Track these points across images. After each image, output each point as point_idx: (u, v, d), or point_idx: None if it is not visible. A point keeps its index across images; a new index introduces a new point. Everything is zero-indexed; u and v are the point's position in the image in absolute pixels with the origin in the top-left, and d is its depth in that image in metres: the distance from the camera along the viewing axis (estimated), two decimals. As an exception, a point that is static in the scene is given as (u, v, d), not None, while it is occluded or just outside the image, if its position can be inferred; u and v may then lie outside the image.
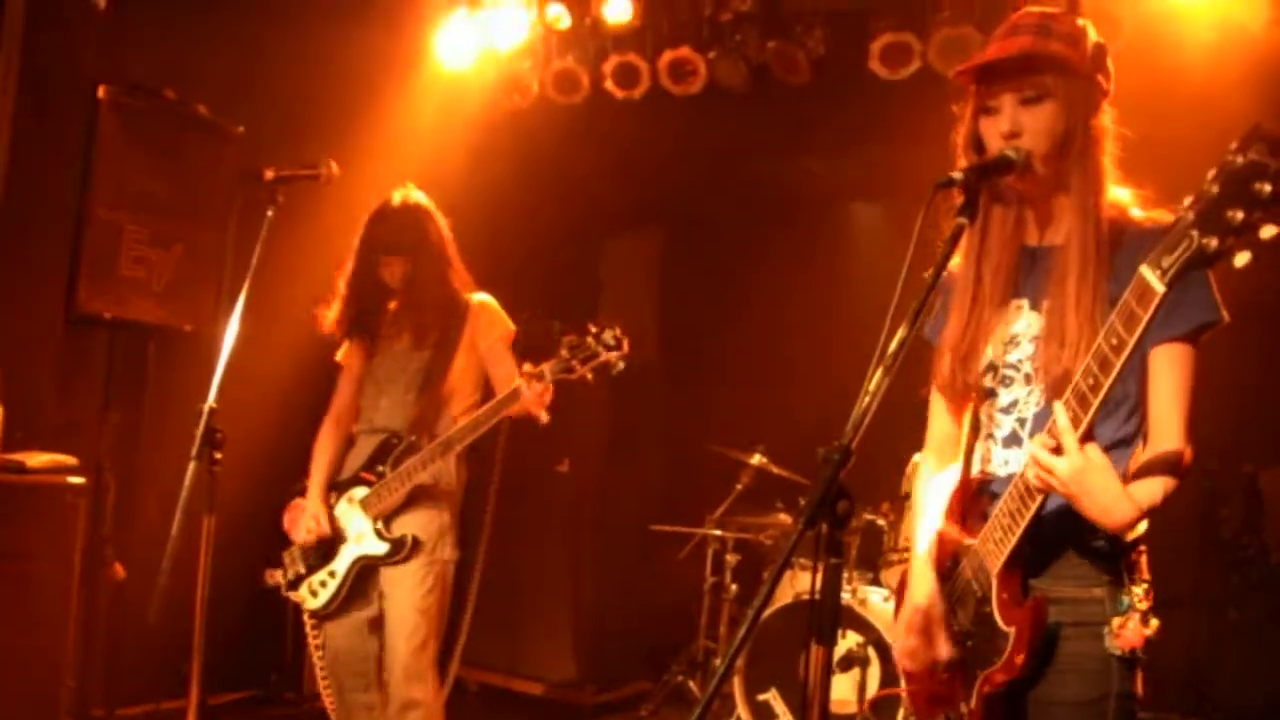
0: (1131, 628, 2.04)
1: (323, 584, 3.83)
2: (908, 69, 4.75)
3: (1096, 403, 1.85)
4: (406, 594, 3.75)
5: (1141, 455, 2.12)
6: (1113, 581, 2.09)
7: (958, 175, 1.98)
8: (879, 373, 1.83)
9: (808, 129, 5.55)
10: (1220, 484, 5.66)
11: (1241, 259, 1.61)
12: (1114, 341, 1.81)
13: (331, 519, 3.83)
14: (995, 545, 2.07)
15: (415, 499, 3.77)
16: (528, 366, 3.64)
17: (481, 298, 3.96)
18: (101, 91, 4.56)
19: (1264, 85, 4.22)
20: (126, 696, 4.93)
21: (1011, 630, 2.03)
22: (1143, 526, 2.12)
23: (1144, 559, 2.12)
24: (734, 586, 5.61)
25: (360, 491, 3.81)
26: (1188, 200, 1.66)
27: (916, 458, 2.50)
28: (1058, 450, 1.92)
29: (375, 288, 3.88)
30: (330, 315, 3.93)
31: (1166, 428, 2.08)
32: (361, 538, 3.78)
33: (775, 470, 5.65)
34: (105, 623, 4.84)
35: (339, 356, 4.05)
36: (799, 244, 6.35)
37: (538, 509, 5.91)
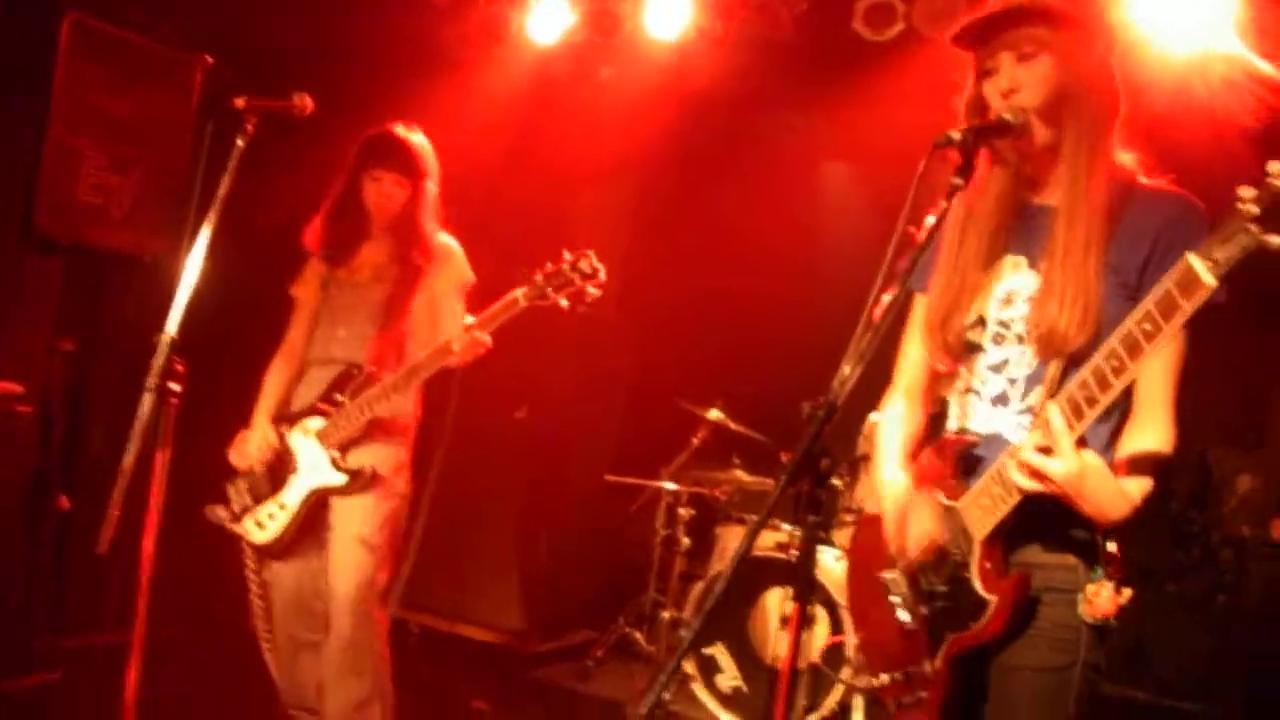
0: (1105, 595, 2.06)
1: (271, 516, 3.77)
2: (891, 30, 4.73)
3: (1119, 385, 1.83)
4: (356, 526, 3.70)
5: (1126, 435, 2.13)
6: (1087, 549, 2.11)
7: (956, 135, 1.98)
8: (870, 334, 1.82)
9: (785, 85, 5.51)
10: (1172, 458, 5.74)
11: None
12: (1148, 327, 1.77)
13: (283, 449, 3.78)
14: (981, 513, 2.08)
15: (372, 432, 3.73)
16: (468, 317, 3.61)
17: (447, 240, 3.92)
18: (65, 11, 4.44)
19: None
20: (72, 627, 4.87)
21: (994, 599, 2.05)
22: None
23: (1116, 528, 2.13)
24: (686, 540, 5.63)
25: (316, 422, 3.75)
26: (1249, 192, 1.60)
27: (872, 418, 2.49)
28: (1049, 451, 1.92)
29: (358, 209, 3.83)
30: (313, 229, 3.91)
31: (1155, 407, 2.11)
32: (316, 468, 3.72)
33: (733, 426, 5.66)
34: (51, 554, 4.77)
35: (294, 289, 4.00)
36: (767, 201, 6.33)
37: (492, 453, 5.88)
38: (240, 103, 3.20)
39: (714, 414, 5.65)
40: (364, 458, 3.72)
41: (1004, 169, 2.21)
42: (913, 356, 2.45)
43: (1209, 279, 1.66)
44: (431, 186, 3.87)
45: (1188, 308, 1.70)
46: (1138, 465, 2.08)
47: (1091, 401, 1.86)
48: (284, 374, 3.93)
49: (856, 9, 4.77)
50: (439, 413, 5.59)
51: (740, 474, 5.66)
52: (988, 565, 2.07)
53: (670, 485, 5.69)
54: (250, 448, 3.81)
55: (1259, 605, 4.22)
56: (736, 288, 6.30)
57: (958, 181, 1.96)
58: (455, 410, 5.61)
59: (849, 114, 5.11)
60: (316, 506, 3.75)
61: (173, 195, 4.79)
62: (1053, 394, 2.05)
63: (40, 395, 4.53)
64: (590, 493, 6.01)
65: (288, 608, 3.85)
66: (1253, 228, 1.59)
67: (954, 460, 2.20)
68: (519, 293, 3.55)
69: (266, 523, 3.78)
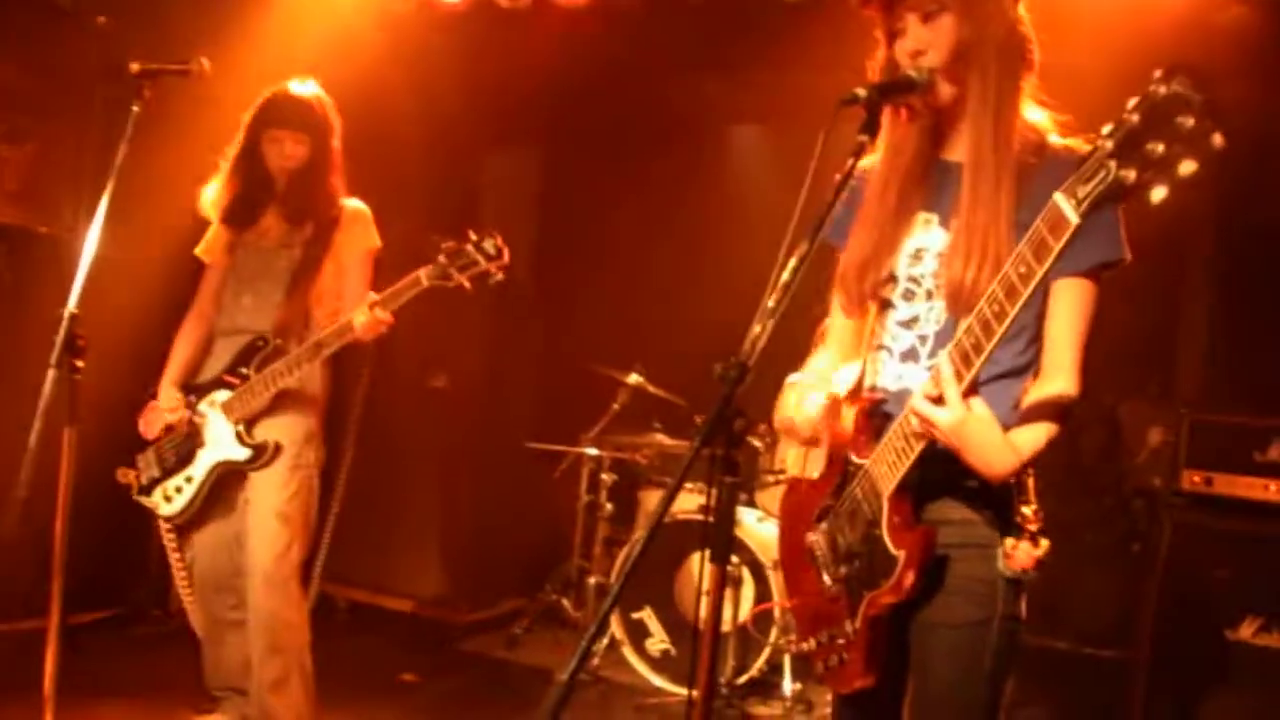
0: (1023, 549, 2.07)
1: (178, 490, 3.72)
2: (805, -10, 4.71)
3: (1000, 330, 1.84)
4: (268, 499, 3.65)
5: (1031, 389, 2.14)
6: (1002, 502, 2.11)
7: (861, 92, 1.96)
8: (778, 292, 1.81)
9: (695, 47, 5.48)
10: (1082, 413, 5.84)
11: (1158, 194, 1.58)
12: (1022, 270, 1.79)
13: (190, 422, 3.71)
14: (888, 469, 2.08)
15: (279, 404, 3.67)
16: (371, 294, 3.55)
17: (355, 204, 3.85)
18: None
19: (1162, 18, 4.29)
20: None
21: (901, 554, 2.04)
22: None
23: (1031, 480, 2.14)
24: (609, 506, 5.63)
25: (222, 395, 3.68)
26: (1107, 128, 1.63)
27: (791, 378, 2.48)
28: (940, 400, 1.93)
29: (259, 171, 3.74)
30: (209, 195, 3.80)
31: (1058, 365, 2.11)
32: (221, 442, 3.67)
33: (652, 390, 5.66)
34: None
35: (199, 250, 3.91)
36: (681, 164, 6.31)
37: (410, 422, 5.83)
38: (135, 67, 3.11)
39: (633, 378, 5.64)
40: (271, 431, 3.66)
41: (918, 125, 2.20)
42: (835, 312, 2.45)
43: (1073, 216, 1.69)
44: (334, 143, 3.79)
45: (1056, 246, 1.73)
46: (1031, 415, 2.08)
47: (977, 348, 1.87)
48: (191, 340, 3.86)
49: (767, -32, 4.73)
50: (352, 383, 5.52)
51: (661, 438, 5.67)
52: (895, 520, 2.07)
53: (592, 451, 5.68)
54: (157, 419, 3.74)
55: (1169, 553, 4.31)
56: (651, 252, 6.29)
57: (863, 138, 1.95)
58: (370, 381, 5.53)
59: (759, 76, 5.10)
60: (225, 481, 3.70)
61: (69, 165, 4.64)
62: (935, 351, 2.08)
63: (-61, 376, 4.39)
64: (511, 460, 5.98)
65: (207, 586, 3.80)
66: (1110, 163, 1.62)
67: (864, 418, 2.20)
68: (422, 273, 3.49)
69: (174, 495, 3.73)
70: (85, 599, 5.18)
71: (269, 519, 3.64)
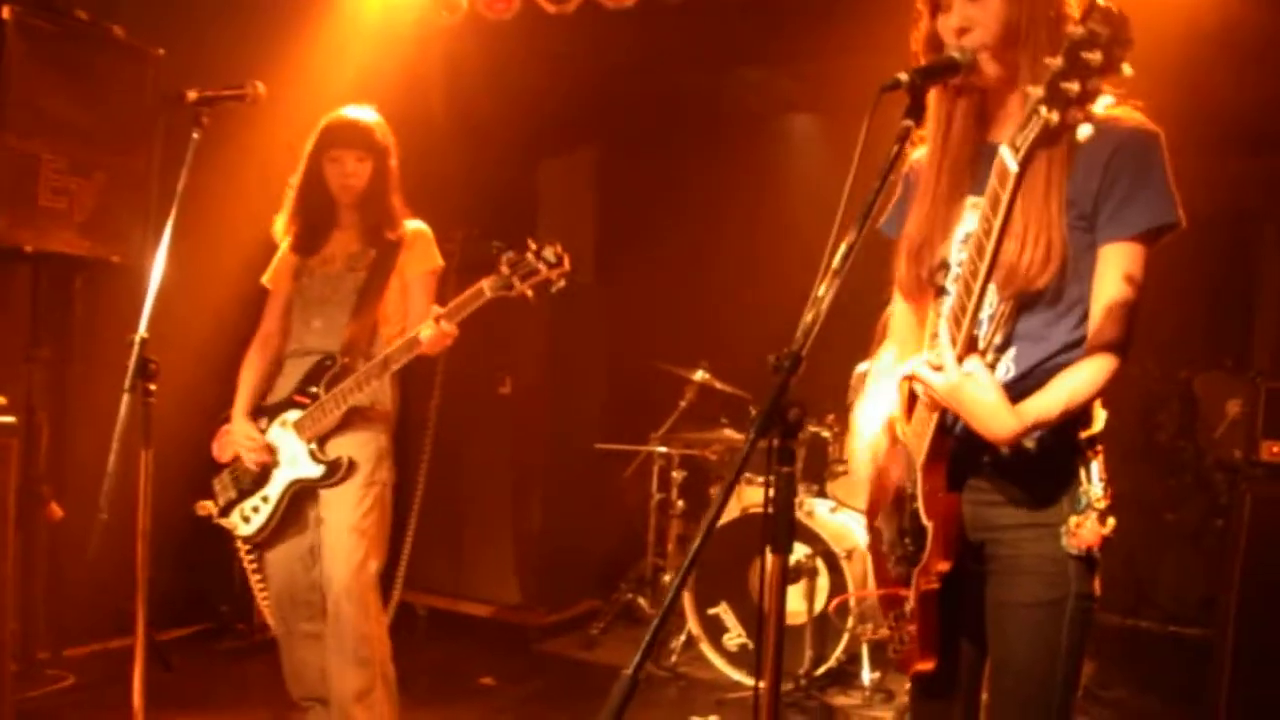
0: (1089, 527, 2.05)
1: (255, 510, 3.78)
2: (844, -23, 4.68)
3: (978, 289, 1.85)
4: (343, 515, 3.70)
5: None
6: (1069, 480, 2.09)
7: (903, 77, 1.94)
8: (827, 279, 1.81)
9: (743, 41, 5.47)
10: (1157, 389, 5.76)
11: (1084, 131, 1.64)
12: (985, 226, 1.82)
13: (264, 443, 3.78)
14: (917, 440, 2.08)
15: (350, 421, 3.72)
16: (435, 307, 3.60)
17: (417, 225, 3.90)
18: (6, 12, 4.32)
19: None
20: (72, 637, 4.87)
21: (930, 524, 2.06)
22: (1099, 424, 2.12)
23: (1100, 458, 2.12)
24: (680, 503, 5.64)
25: (293, 414, 3.74)
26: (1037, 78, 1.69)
27: (860, 367, 2.48)
28: (940, 367, 1.94)
29: (322, 196, 3.80)
30: (280, 222, 3.88)
31: (1100, 331, 2.06)
32: (295, 461, 3.73)
33: (719, 386, 5.67)
34: (46, 563, 4.77)
35: (265, 279, 3.98)
36: (736, 158, 6.30)
37: (480, 430, 5.88)
38: (192, 95, 3.17)
39: (699, 375, 5.64)
40: (342, 448, 3.71)
41: (963, 107, 2.18)
42: (898, 304, 2.44)
43: (1013, 165, 1.74)
44: (393, 164, 3.84)
45: (1005, 196, 1.77)
46: (1050, 386, 2.04)
47: (962, 310, 1.89)
48: (259, 366, 3.91)
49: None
50: (424, 395, 5.59)
51: (730, 433, 5.66)
52: (927, 489, 2.08)
53: (661, 449, 5.70)
54: (239, 445, 3.81)
55: (1251, 527, 4.22)
56: (710, 246, 6.29)
57: (907, 123, 1.93)
58: (440, 392, 5.60)
59: (808, 65, 5.08)
60: (299, 498, 3.76)
61: (135, 194, 4.73)
62: (1003, 335, 2.07)
63: (23, 404, 4.51)
64: (582, 462, 6.01)
65: (283, 600, 3.86)
66: (1040, 109, 1.66)
67: (910, 398, 2.20)
68: (485, 283, 3.53)
69: (251, 516, 3.79)
70: (172, 616, 5.30)
71: (345, 535, 3.70)
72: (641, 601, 5.78)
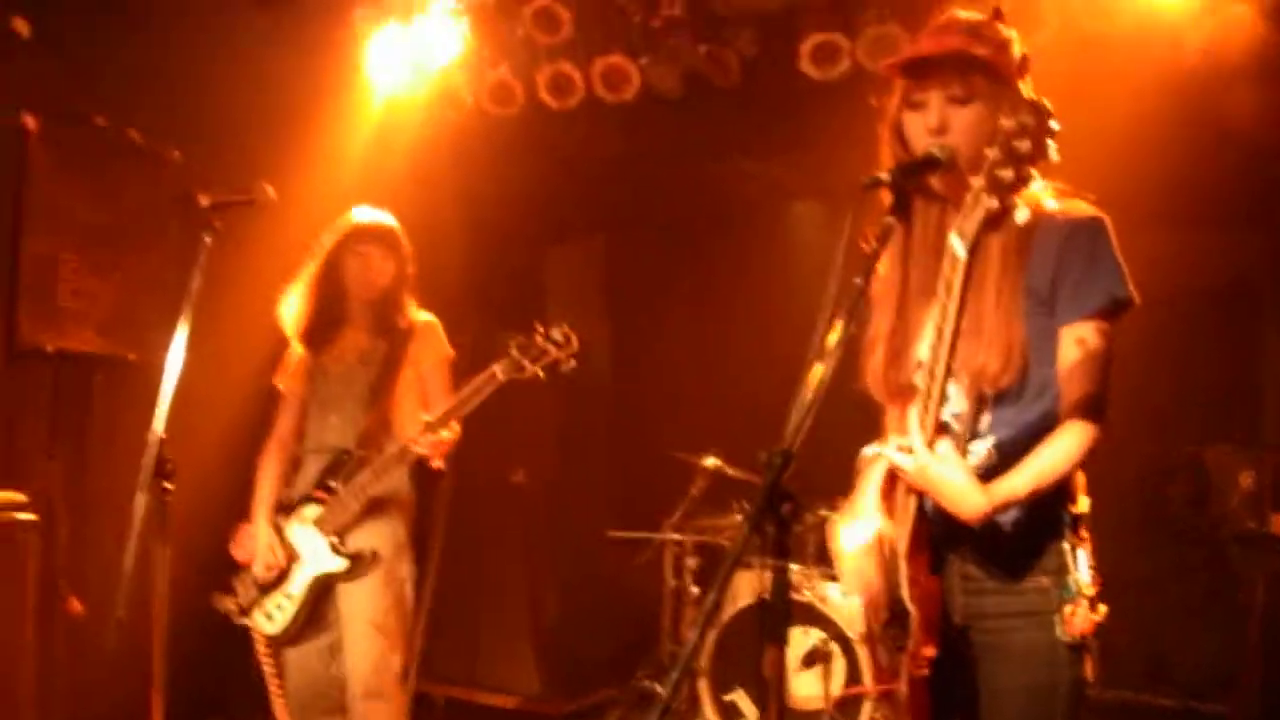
0: (1080, 615, 2.09)
1: (279, 607, 3.81)
2: (838, 68, 4.76)
3: (941, 372, 1.97)
4: (364, 611, 3.74)
5: None
6: (1059, 569, 2.13)
7: (884, 176, 2.02)
8: (815, 370, 1.86)
9: (741, 131, 5.58)
10: (1165, 462, 5.75)
11: (1021, 215, 1.80)
12: (942, 313, 1.96)
13: (283, 541, 3.81)
14: (900, 527, 2.12)
15: (370, 513, 3.77)
16: (423, 415, 3.66)
17: (427, 318, 3.98)
18: (29, 121, 4.47)
19: (1186, 78, 4.30)
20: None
21: (914, 609, 2.09)
22: (1084, 507, 2.16)
23: (1088, 545, 2.16)
24: (695, 589, 5.62)
25: (313, 510, 3.79)
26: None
27: (866, 451, 2.52)
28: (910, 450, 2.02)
29: (338, 289, 3.88)
30: (293, 315, 3.93)
31: (1067, 396, 2.11)
32: (318, 556, 3.76)
33: (730, 472, 5.67)
34: (64, 658, 4.78)
35: (277, 380, 4.04)
36: (741, 246, 6.38)
37: (493, 519, 5.91)
38: (205, 200, 3.26)
39: (710, 461, 5.67)
40: (363, 539, 3.76)
41: (927, 207, 2.25)
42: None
43: (961, 252, 1.89)
44: (410, 269, 3.94)
45: (956, 281, 1.92)
46: (1020, 465, 2.08)
47: (929, 395, 2.00)
48: (276, 466, 3.96)
49: (802, 51, 4.80)
50: (436, 484, 5.62)
51: (742, 519, 5.66)
52: (910, 575, 2.11)
53: (674, 536, 5.70)
54: (258, 551, 3.84)
55: (1266, 600, 4.22)
56: (720, 333, 6.34)
57: (889, 220, 2.00)
58: (452, 481, 5.63)
59: (808, 154, 5.17)
60: (322, 593, 3.79)
61: (152, 294, 4.83)
62: (972, 430, 2.12)
63: (42, 501, 4.56)
64: (594, 550, 6.02)
65: (303, 696, 3.87)
66: (982, 196, 1.80)
67: (889, 486, 2.24)
68: (496, 367, 3.61)
69: (275, 614, 3.82)
70: (189, 712, 5.28)
71: (366, 631, 3.73)
72: (659, 689, 5.75)
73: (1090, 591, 2.12)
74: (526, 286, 6.43)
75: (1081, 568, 2.13)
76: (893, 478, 2.21)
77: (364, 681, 3.70)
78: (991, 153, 1.73)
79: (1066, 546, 2.13)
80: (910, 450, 2.02)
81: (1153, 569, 5.58)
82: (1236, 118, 4.39)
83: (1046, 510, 2.12)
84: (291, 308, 3.94)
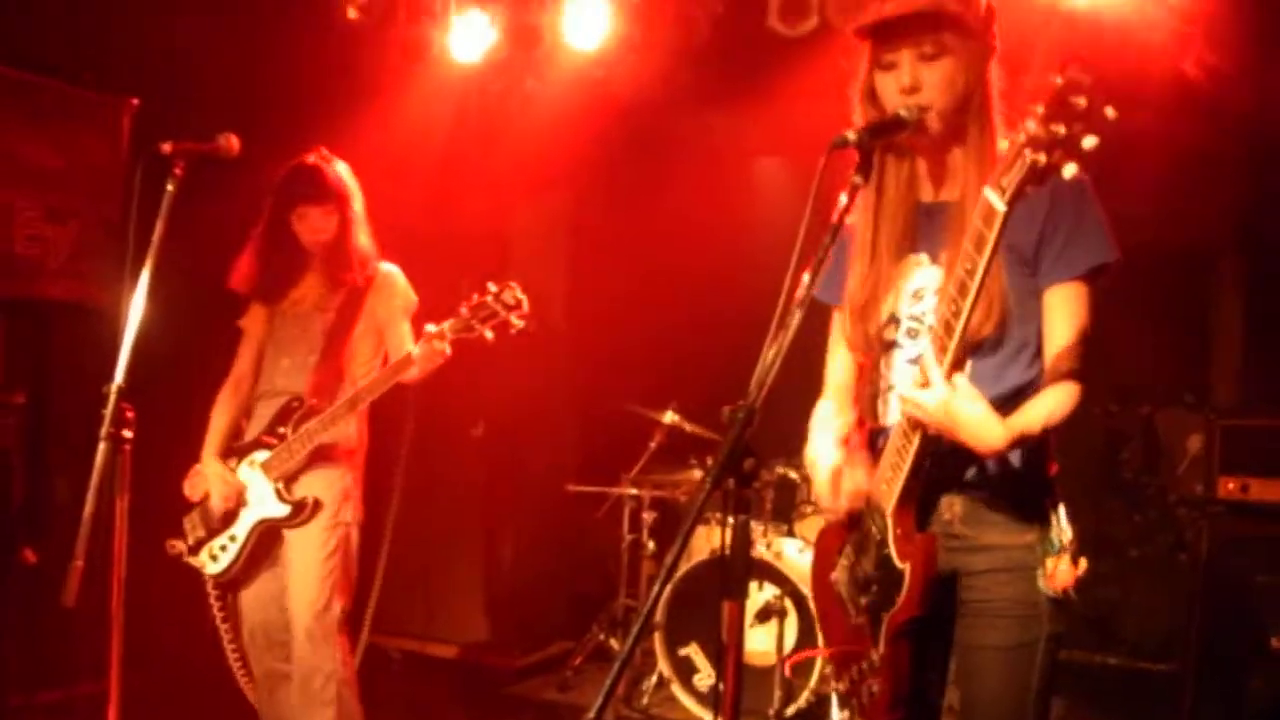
0: (1064, 568, 2.13)
1: (223, 548, 3.83)
2: (806, 24, 4.77)
3: (959, 327, 1.92)
4: (308, 556, 3.77)
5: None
6: (1041, 524, 2.17)
7: (852, 135, 2.02)
8: (781, 328, 1.88)
9: (709, 87, 5.56)
10: (1119, 426, 5.85)
11: (1069, 170, 1.72)
12: (968, 266, 1.89)
13: (234, 482, 3.82)
14: (886, 485, 2.14)
15: (316, 461, 3.79)
16: (429, 326, 3.66)
17: (387, 267, 3.97)
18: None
19: (1144, 42, 4.33)
20: (47, 682, 4.86)
21: (907, 565, 2.10)
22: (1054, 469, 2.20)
23: (1062, 505, 2.20)
24: (651, 544, 5.68)
25: (261, 455, 3.81)
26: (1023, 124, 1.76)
27: (821, 407, 2.54)
28: (926, 385, 2.00)
29: (290, 243, 3.86)
30: (241, 271, 3.92)
31: (1056, 367, 2.14)
32: (263, 500, 3.79)
33: (688, 428, 5.71)
34: (19, 608, 4.76)
35: (242, 321, 4.03)
36: (704, 201, 6.37)
37: (451, 472, 5.91)
38: (167, 148, 3.21)
39: (669, 417, 5.70)
40: (309, 487, 3.78)
41: (899, 165, 2.27)
42: (838, 359, 2.52)
43: (1000, 205, 1.80)
44: (357, 208, 3.90)
45: (991, 236, 1.84)
46: (1030, 405, 2.12)
47: (948, 333, 1.96)
48: (230, 407, 3.97)
49: (770, 6, 4.79)
50: (395, 436, 5.61)
51: (699, 474, 5.71)
52: (899, 532, 2.13)
53: (632, 490, 5.74)
54: (211, 486, 3.84)
55: (1209, 562, 4.31)
56: (681, 290, 6.34)
57: (857, 180, 2.01)
58: (412, 433, 5.62)
59: (774, 110, 5.16)
60: (266, 537, 3.81)
61: (110, 242, 4.78)
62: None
63: (-1, 448, 4.53)
64: (553, 503, 6.05)
65: (257, 639, 3.90)
66: (1025, 152, 1.74)
67: (866, 449, 2.26)
68: (444, 326, 3.63)
69: (219, 554, 3.84)
70: (147, 660, 5.27)
71: (307, 576, 3.76)
72: (614, 643, 5.80)
73: (1071, 546, 2.16)
74: (489, 239, 6.39)
75: (1063, 524, 2.18)
76: (866, 435, 2.24)
77: (305, 625, 3.73)
78: (1039, 108, 1.71)
79: (1049, 503, 2.18)
80: (929, 385, 2.00)
81: (1108, 531, 5.69)
82: (1192, 79, 4.44)
83: (1034, 467, 2.16)
84: (240, 269, 3.94)
